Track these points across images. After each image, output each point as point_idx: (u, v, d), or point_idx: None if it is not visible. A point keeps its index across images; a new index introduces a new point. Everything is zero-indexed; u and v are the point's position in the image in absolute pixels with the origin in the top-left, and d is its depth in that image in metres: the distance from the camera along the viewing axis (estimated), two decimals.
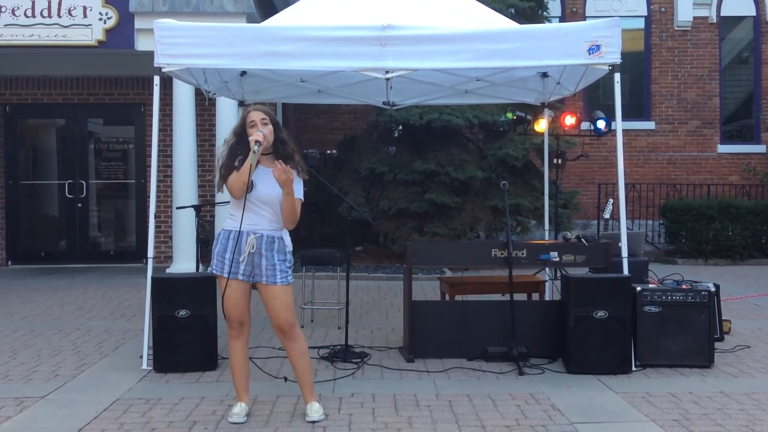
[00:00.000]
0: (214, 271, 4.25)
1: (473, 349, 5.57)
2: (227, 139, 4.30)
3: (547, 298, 6.75)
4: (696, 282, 5.76)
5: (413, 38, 5.28)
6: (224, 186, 4.19)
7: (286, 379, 4.69)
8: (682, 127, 14.05)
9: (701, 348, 5.34)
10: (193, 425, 4.16)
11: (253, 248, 4.13)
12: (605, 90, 13.55)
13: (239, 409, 4.24)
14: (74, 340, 6.33)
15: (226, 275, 4.13)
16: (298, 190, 4.15)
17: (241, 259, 4.13)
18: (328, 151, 13.20)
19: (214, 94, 7.12)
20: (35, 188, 11.73)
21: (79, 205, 11.54)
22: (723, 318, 6.39)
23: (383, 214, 10.80)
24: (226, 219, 4.26)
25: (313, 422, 4.17)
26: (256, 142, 4.02)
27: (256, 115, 4.16)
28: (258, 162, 4.11)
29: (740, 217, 11.87)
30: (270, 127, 4.15)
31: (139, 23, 9.46)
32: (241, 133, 4.20)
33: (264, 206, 4.14)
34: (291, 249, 4.26)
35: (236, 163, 4.14)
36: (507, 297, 5.56)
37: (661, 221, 12.65)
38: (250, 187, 4.08)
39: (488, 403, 4.55)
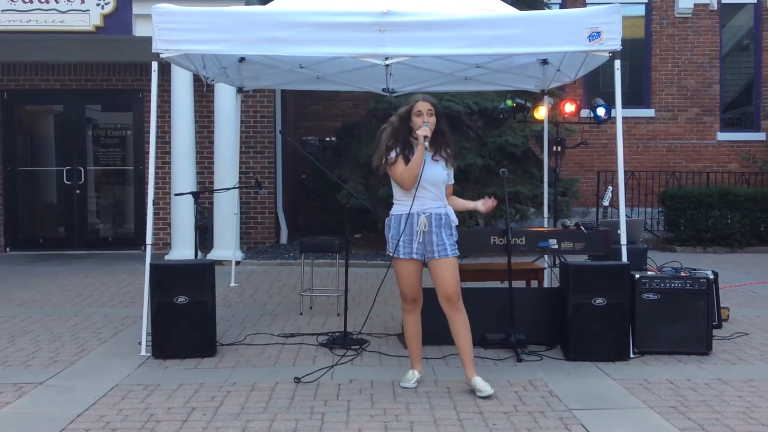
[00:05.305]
0: (391, 254, 4.51)
1: (472, 336, 5.55)
2: (392, 120, 4.58)
3: (545, 285, 6.75)
4: (695, 269, 5.77)
5: (413, 24, 5.25)
6: (387, 171, 4.49)
7: (297, 379, 4.68)
8: (682, 115, 14.02)
9: (699, 335, 5.34)
10: (192, 411, 4.17)
11: (425, 227, 4.39)
12: (605, 77, 13.52)
13: (411, 376, 4.60)
14: (73, 327, 6.33)
15: (402, 256, 4.44)
16: (451, 177, 4.61)
17: (415, 239, 4.41)
18: (327, 139, 13.13)
19: (213, 80, 7.10)
20: (33, 175, 11.71)
21: (78, 191, 11.53)
22: (721, 305, 6.39)
23: (382, 202, 10.75)
24: (394, 205, 4.54)
25: (486, 397, 4.32)
26: (425, 137, 4.33)
27: (423, 106, 4.45)
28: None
29: (739, 205, 11.85)
30: (434, 118, 4.45)
31: (137, 8, 9.39)
32: (405, 118, 4.50)
33: (430, 187, 4.46)
34: (457, 223, 4.55)
35: (392, 155, 4.44)
36: (506, 284, 5.56)
37: (660, 209, 12.64)
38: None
39: None
